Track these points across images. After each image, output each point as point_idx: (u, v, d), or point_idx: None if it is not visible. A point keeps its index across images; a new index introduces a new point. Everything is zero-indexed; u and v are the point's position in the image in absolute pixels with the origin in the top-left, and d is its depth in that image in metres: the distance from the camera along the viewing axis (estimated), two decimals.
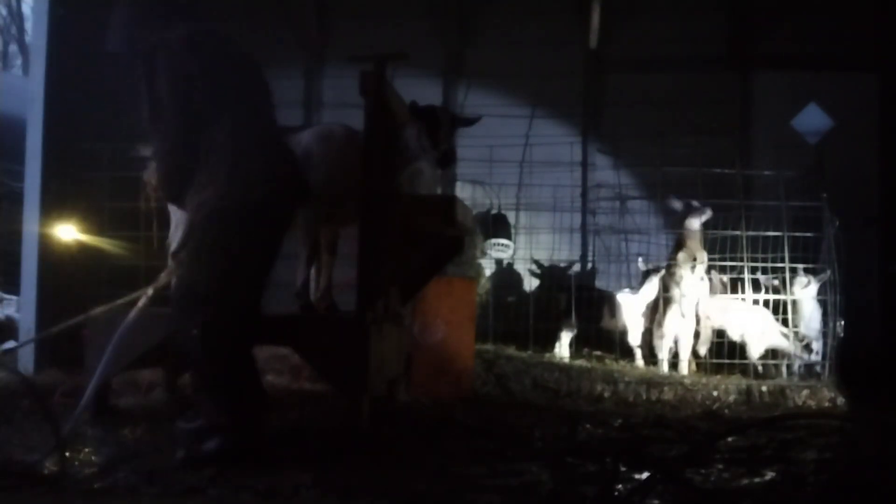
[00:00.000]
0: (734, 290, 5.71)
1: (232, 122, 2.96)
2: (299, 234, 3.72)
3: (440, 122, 3.67)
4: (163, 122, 2.97)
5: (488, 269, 6.96)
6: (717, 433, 3.66)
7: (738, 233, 5.54)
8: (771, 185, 5.70)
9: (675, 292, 5.64)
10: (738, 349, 5.68)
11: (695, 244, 5.63)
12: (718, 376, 5.33)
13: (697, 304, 5.67)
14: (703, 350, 5.68)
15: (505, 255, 7.27)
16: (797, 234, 5.49)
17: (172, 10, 3.16)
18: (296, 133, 3.77)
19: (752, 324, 5.56)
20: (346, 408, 3.38)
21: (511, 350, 5.54)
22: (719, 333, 5.73)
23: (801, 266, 5.53)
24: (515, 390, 4.95)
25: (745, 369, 5.50)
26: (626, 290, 6.16)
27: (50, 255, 5.21)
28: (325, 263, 3.88)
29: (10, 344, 5.47)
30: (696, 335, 5.72)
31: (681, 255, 5.65)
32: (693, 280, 5.63)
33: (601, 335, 6.14)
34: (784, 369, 5.58)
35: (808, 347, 5.51)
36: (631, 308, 5.91)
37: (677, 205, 5.69)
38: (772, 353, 5.63)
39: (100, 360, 3.29)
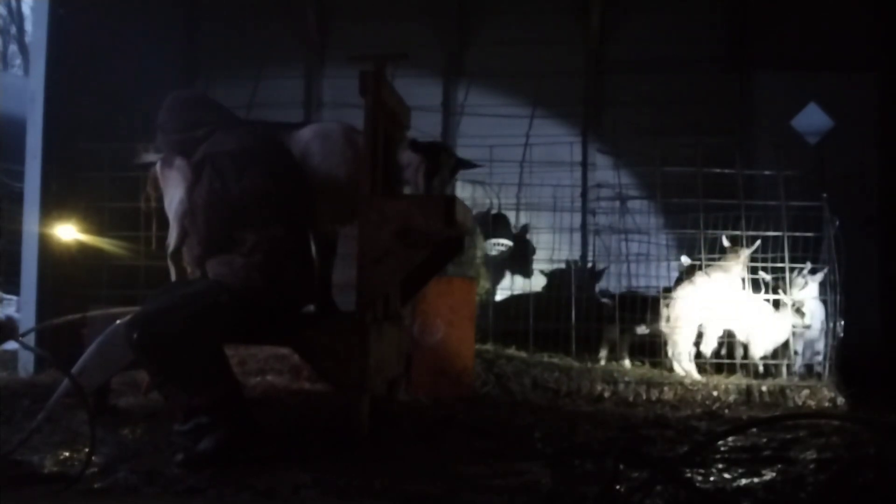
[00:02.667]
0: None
1: (262, 227, 3.25)
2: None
3: (441, 166, 3.67)
4: (200, 219, 3.30)
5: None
6: (717, 433, 3.66)
7: (738, 233, 5.54)
8: (771, 185, 5.70)
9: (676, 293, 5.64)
10: (739, 348, 5.68)
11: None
12: (717, 377, 5.32)
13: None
14: (708, 351, 5.65)
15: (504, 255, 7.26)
16: (797, 234, 5.49)
17: (218, 118, 3.51)
18: (296, 130, 3.77)
19: (758, 323, 5.55)
20: (346, 408, 3.38)
21: (511, 350, 5.54)
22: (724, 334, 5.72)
23: (808, 266, 5.51)
24: (515, 390, 4.95)
25: (746, 368, 5.49)
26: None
27: (50, 255, 5.21)
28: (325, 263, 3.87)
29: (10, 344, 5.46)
30: (700, 335, 5.71)
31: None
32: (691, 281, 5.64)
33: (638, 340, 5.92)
34: (784, 369, 5.57)
35: (799, 312, 5.44)
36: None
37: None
38: (772, 353, 5.63)
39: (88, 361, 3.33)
